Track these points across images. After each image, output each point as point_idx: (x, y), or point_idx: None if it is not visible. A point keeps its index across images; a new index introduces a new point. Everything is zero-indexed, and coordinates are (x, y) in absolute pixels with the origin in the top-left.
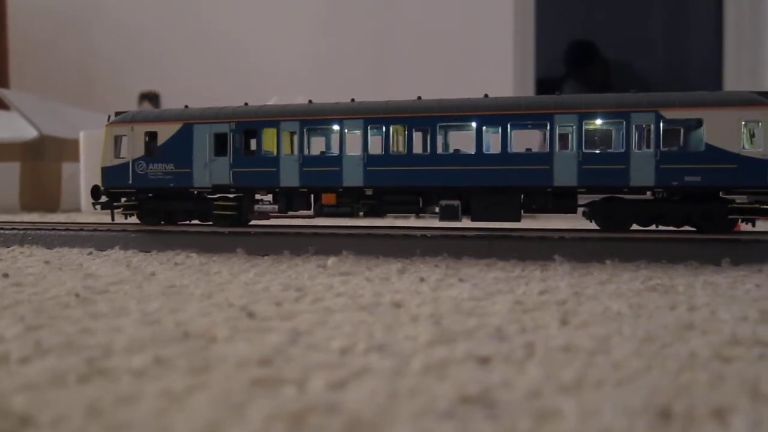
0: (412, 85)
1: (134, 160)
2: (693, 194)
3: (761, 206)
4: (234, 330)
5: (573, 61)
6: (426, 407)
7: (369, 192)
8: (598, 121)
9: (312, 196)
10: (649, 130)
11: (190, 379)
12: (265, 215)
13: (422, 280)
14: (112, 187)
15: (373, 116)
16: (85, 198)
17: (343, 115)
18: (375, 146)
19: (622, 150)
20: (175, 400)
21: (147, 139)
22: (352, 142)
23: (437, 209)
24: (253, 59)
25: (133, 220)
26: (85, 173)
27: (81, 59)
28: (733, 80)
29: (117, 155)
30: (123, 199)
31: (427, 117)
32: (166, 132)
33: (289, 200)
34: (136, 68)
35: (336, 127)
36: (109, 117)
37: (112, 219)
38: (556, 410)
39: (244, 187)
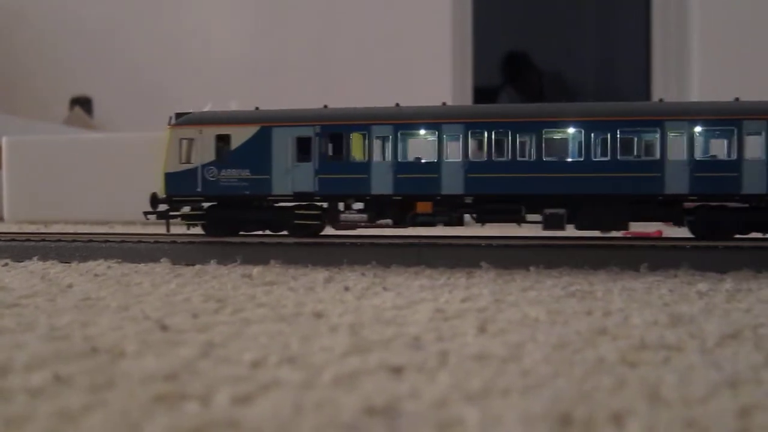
0: (350, 92)
1: (204, 166)
2: None
3: None
4: (144, 344)
5: (509, 71)
6: (329, 420)
7: (469, 200)
8: (708, 128)
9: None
10: (761, 138)
11: (89, 397)
12: (353, 225)
13: (347, 289)
14: (177, 195)
15: (474, 121)
16: (7, 206)
17: (442, 119)
18: (476, 152)
19: (734, 158)
20: (69, 420)
21: (218, 142)
22: (452, 148)
23: (540, 217)
24: (187, 63)
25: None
26: (8, 181)
27: (2, 64)
28: (660, 89)
29: (183, 160)
30: (183, 209)
31: (532, 122)
32: (240, 135)
33: (380, 209)
34: (65, 73)
35: (434, 132)
36: (170, 118)
37: (168, 230)
38: (458, 419)
39: (330, 195)
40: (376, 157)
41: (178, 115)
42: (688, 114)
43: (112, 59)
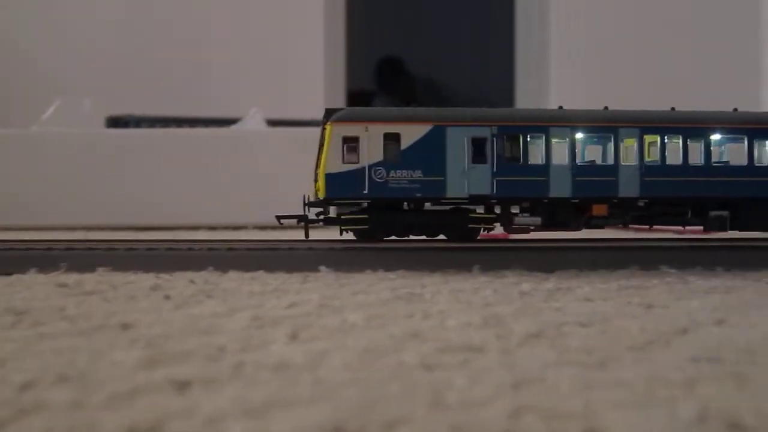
0: (219, 92)
1: (371, 166)
2: None
3: None
4: None
5: (383, 76)
6: None
7: (641, 203)
8: None
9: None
10: None
11: None
12: (526, 228)
13: (167, 297)
14: (340, 198)
15: (650, 125)
16: None
17: (618, 123)
18: (651, 156)
19: None
20: None
21: (386, 141)
22: (627, 152)
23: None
24: (34, 59)
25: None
26: None
27: None
28: (523, 98)
29: (346, 160)
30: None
31: (704, 128)
32: (411, 134)
33: (555, 211)
34: None
35: (610, 136)
36: (327, 113)
37: (306, 236)
38: None
39: (506, 198)
40: (555, 159)
41: (330, 111)
42: None
43: None
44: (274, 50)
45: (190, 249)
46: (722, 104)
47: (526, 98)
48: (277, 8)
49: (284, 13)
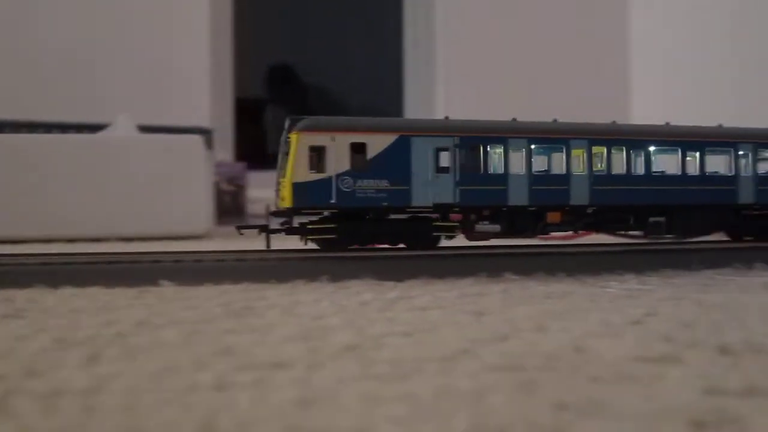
0: (99, 99)
1: (338, 175)
2: None
3: None
4: None
5: (273, 83)
6: None
7: (590, 210)
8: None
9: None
10: None
11: None
12: (486, 236)
13: None
14: (307, 207)
15: (597, 137)
16: None
17: (569, 135)
18: (598, 166)
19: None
20: None
21: (353, 151)
22: (577, 162)
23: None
24: None
25: None
26: None
27: None
28: (412, 107)
29: (313, 169)
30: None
31: (644, 141)
32: (377, 144)
33: (513, 219)
34: None
35: (562, 147)
36: (292, 122)
37: (268, 246)
38: None
39: (468, 206)
40: (512, 169)
41: (294, 120)
42: (754, 138)
43: None
44: (155, 55)
45: (21, 264)
46: (596, 112)
47: (415, 106)
48: (160, 12)
49: (168, 17)
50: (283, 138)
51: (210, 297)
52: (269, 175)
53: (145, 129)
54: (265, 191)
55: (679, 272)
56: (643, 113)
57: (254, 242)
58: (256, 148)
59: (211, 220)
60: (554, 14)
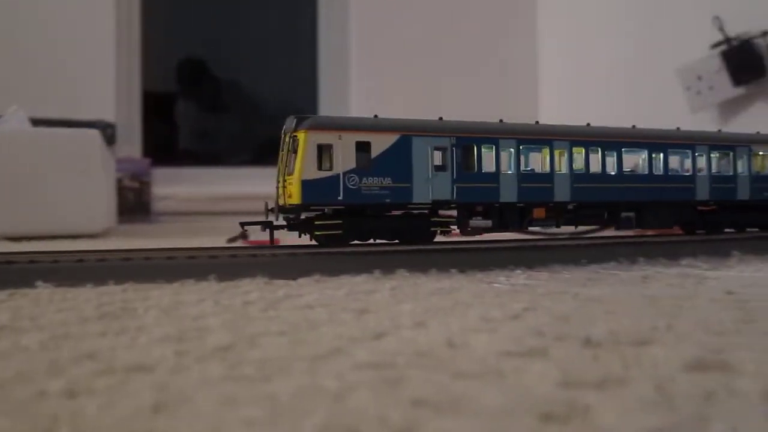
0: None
1: (345, 173)
2: None
3: None
4: None
5: (185, 78)
6: None
7: (571, 207)
8: (719, 153)
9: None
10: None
11: None
12: (479, 231)
13: None
14: (316, 204)
15: (576, 139)
16: None
17: (552, 137)
18: (578, 165)
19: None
20: None
21: (358, 149)
22: (559, 162)
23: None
24: None
25: None
26: None
27: None
28: (326, 104)
29: (321, 167)
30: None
31: (616, 142)
32: (380, 143)
33: (503, 215)
34: None
35: (547, 147)
36: (296, 121)
37: (272, 241)
38: None
39: (464, 203)
40: (504, 168)
41: (300, 118)
42: (706, 140)
43: None
44: (56, 45)
45: None
46: (504, 109)
47: (329, 104)
48: (63, 4)
49: (71, 9)
50: (285, 136)
51: (88, 299)
52: (180, 172)
53: (42, 122)
54: (173, 188)
55: (568, 267)
56: (549, 112)
57: (154, 241)
58: (166, 143)
59: (111, 218)
60: (462, 15)
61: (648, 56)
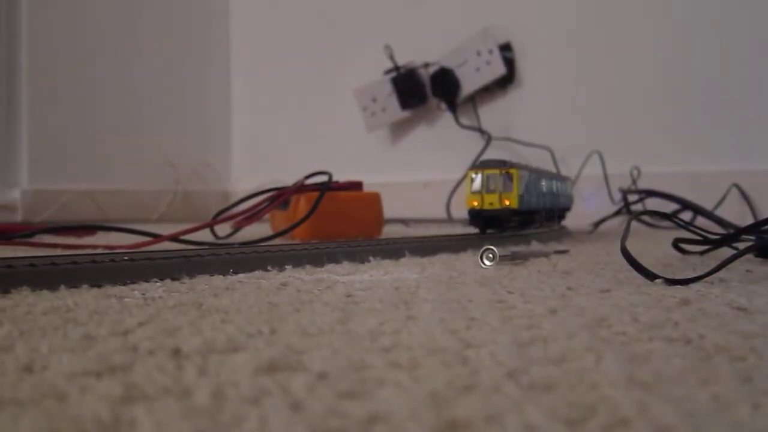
0: None
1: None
2: None
3: None
4: None
5: None
6: None
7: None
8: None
9: None
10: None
11: None
12: None
13: None
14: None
15: (534, 172)
16: None
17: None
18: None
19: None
20: None
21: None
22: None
23: None
24: None
25: None
26: None
27: None
28: None
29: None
30: None
31: (547, 176)
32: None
33: None
34: None
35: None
36: (505, 164)
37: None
38: None
39: None
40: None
41: (509, 163)
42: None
43: None
44: None
45: None
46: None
47: None
48: None
49: None
50: (490, 172)
51: None
52: None
53: None
54: None
55: (214, 277)
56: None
57: None
58: None
59: None
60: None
61: (324, 76)
